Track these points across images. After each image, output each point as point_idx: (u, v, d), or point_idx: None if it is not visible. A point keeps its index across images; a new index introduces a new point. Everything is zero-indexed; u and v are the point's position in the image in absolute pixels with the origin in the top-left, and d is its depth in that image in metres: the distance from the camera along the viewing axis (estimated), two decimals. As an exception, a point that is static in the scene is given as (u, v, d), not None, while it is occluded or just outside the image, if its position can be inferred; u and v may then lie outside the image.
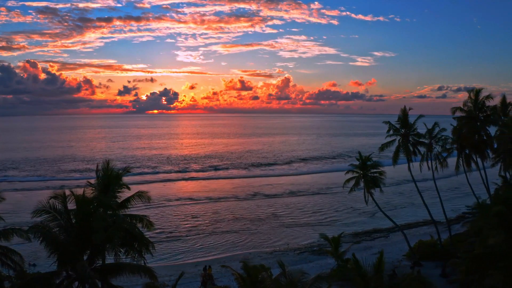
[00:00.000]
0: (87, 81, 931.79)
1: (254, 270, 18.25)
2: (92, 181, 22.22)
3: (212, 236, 43.22)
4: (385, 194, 62.65)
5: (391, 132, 32.39)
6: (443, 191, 63.58)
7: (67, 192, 19.67)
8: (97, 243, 18.13)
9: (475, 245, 19.67)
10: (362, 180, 31.34)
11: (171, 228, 46.30)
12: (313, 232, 43.38)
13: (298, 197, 62.60)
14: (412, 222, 48.21)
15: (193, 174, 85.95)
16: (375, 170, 31.44)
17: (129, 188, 23.45)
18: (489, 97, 33.78)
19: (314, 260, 33.50)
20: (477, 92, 33.55)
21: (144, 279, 20.49)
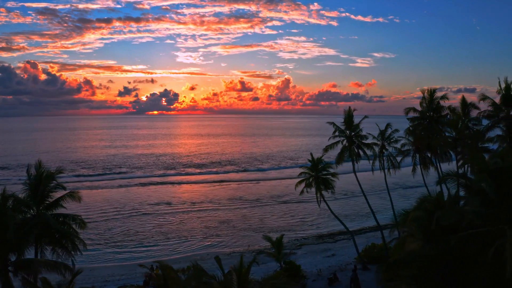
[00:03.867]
0: (87, 82, 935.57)
1: (168, 270, 18.20)
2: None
3: (176, 237, 43.20)
4: (372, 198, 62.50)
5: (336, 133, 32.12)
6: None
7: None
8: (12, 240, 18.28)
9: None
10: (314, 182, 31.14)
11: (137, 228, 46.35)
12: (277, 235, 42.99)
13: (277, 200, 61.64)
14: (383, 224, 47.92)
15: (176, 178, 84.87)
16: (326, 172, 31.24)
17: (64, 188, 23.69)
18: (444, 97, 33.42)
19: (268, 261, 33.36)
20: (432, 92, 33.16)
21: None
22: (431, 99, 33.06)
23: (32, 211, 21.94)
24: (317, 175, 31.21)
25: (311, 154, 31.75)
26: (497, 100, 32.14)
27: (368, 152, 31.76)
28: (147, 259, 37.53)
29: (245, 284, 13.33)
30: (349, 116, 31.31)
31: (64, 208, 23.34)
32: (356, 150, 31.30)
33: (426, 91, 33.19)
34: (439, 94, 33.62)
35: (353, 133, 31.53)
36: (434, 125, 32.50)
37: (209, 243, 41.44)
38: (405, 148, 34.86)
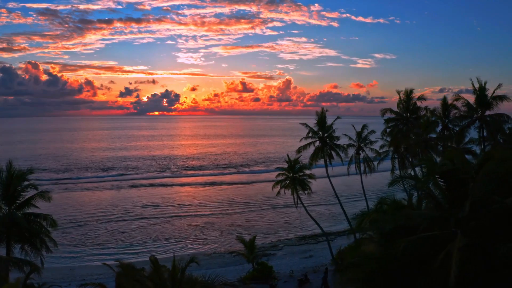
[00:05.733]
0: (88, 83, 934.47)
1: (127, 269, 18.52)
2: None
3: (162, 238, 43.56)
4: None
5: (310, 134, 32.25)
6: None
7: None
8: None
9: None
10: (290, 183, 31.32)
11: (124, 229, 46.72)
12: (262, 237, 43.08)
13: (266, 203, 60.97)
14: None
15: (169, 180, 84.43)
16: (303, 173, 31.41)
17: (36, 188, 24.07)
18: (421, 98, 33.45)
19: (244, 262, 33.58)
20: (409, 92, 33.16)
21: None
22: (408, 100, 33.08)
23: (3, 210, 22.39)
24: (294, 176, 31.39)
25: (287, 155, 31.94)
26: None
27: (342, 155, 31.80)
28: (128, 259, 37.88)
29: (180, 283, 13.62)
30: (321, 117, 31.42)
31: (37, 207, 23.79)
32: (328, 151, 31.44)
33: (403, 92, 33.26)
34: (416, 94, 33.70)
35: (326, 134, 31.68)
36: (409, 126, 32.57)
37: (193, 244, 41.70)
38: (384, 149, 34.98)
